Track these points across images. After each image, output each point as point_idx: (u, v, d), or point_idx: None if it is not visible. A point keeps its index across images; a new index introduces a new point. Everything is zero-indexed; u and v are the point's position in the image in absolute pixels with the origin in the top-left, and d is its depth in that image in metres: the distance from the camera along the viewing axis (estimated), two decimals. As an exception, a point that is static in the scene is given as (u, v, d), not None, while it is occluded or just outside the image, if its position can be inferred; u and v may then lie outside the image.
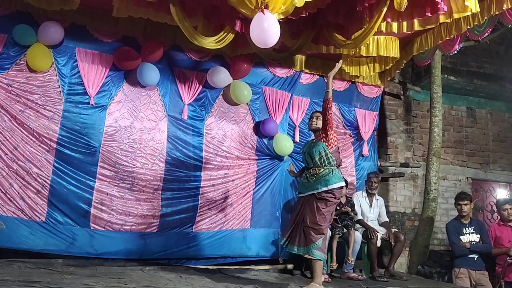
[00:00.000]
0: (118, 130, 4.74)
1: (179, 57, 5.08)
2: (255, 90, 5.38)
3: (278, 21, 3.36)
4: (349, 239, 4.84)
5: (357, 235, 4.93)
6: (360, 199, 5.32)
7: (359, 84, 5.98)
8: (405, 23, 4.38)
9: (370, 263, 5.01)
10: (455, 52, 4.85)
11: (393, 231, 5.17)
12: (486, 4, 4.03)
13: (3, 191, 4.24)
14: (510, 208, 4.88)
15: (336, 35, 4.53)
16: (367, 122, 6.02)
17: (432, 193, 5.80)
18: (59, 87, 4.57)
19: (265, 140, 5.39)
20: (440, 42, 4.68)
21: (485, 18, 4.10)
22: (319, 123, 3.97)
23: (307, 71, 5.65)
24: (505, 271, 4.66)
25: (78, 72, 4.64)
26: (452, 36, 4.48)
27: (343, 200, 5.00)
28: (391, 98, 6.69)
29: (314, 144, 3.94)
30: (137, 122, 4.85)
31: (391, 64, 5.53)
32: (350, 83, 5.92)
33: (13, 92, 4.39)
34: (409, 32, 4.52)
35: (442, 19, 4.14)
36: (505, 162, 7.11)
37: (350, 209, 5.00)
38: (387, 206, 6.01)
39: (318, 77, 5.74)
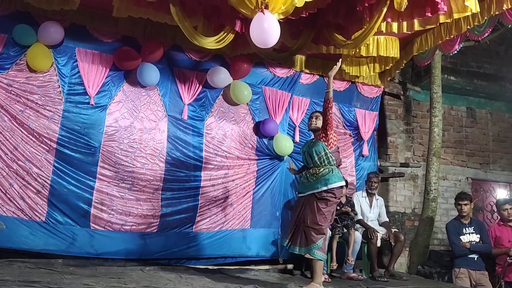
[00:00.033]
0: (118, 130, 4.74)
1: (179, 57, 5.08)
2: (255, 90, 5.38)
3: (278, 21, 3.36)
4: (349, 239, 4.85)
5: (357, 235, 4.93)
6: (360, 199, 5.32)
7: (359, 84, 5.98)
8: (405, 23, 4.38)
9: (370, 263, 5.01)
10: (455, 52, 4.85)
11: (393, 231, 5.18)
12: (486, 4, 4.03)
13: (3, 191, 4.24)
14: (510, 208, 4.89)
15: (336, 35, 4.53)
16: (367, 122, 6.02)
17: (432, 193, 5.80)
18: (59, 87, 4.57)
19: (265, 140, 5.39)
20: (440, 42, 4.68)
21: (485, 18, 4.11)
22: (319, 123, 3.98)
23: (307, 71, 5.65)
24: (505, 271, 4.66)
25: (78, 72, 4.64)
26: (452, 36, 4.48)
27: (343, 200, 5.00)
28: (391, 98, 6.70)
29: (313, 144, 3.95)
30: (137, 122, 4.85)
31: (391, 64, 5.53)
32: (350, 83, 5.92)
33: (13, 92, 4.39)
34: (409, 32, 4.52)
35: (442, 19, 4.14)
36: (505, 162, 7.12)
37: (350, 209, 5.01)
38: (387, 206, 6.01)
39: (318, 77, 5.74)
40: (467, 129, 7.06)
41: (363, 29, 4.27)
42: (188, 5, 4.18)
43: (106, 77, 4.74)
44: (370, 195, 5.34)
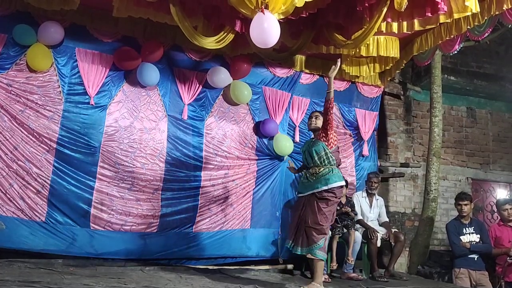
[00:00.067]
0: (118, 130, 4.74)
1: (179, 57, 5.08)
2: (255, 90, 5.38)
3: (278, 21, 3.35)
4: (349, 239, 4.85)
5: (357, 235, 4.93)
6: (360, 199, 5.32)
7: (359, 84, 5.98)
8: (405, 23, 4.38)
9: (370, 263, 5.01)
10: (455, 52, 4.85)
11: (393, 231, 5.18)
12: (486, 4, 4.03)
13: (3, 191, 4.24)
14: (510, 208, 4.88)
15: (336, 35, 4.53)
16: (367, 122, 6.02)
17: (432, 193, 5.80)
18: (59, 87, 4.57)
19: (265, 140, 5.39)
20: (440, 42, 4.68)
21: (485, 18, 4.11)
22: (319, 123, 3.98)
23: (307, 71, 5.65)
24: (505, 271, 4.66)
25: (78, 72, 4.64)
26: (452, 36, 4.48)
27: (343, 200, 5.00)
28: (391, 98, 6.70)
29: (313, 144, 3.95)
30: (137, 122, 4.85)
31: (391, 64, 5.53)
32: (350, 83, 5.93)
33: (13, 92, 4.39)
34: (409, 32, 4.52)
35: (442, 19, 4.15)
36: (505, 162, 7.12)
37: (350, 209, 5.00)
38: (387, 206, 6.01)
39: (318, 77, 5.74)
40: (467, 129, 7.06)
41: (363, 29, 4.27)
42: (188, 5, 4.18)
43: (106, 77, 4.74)
44: (370, 195, 5.34)
